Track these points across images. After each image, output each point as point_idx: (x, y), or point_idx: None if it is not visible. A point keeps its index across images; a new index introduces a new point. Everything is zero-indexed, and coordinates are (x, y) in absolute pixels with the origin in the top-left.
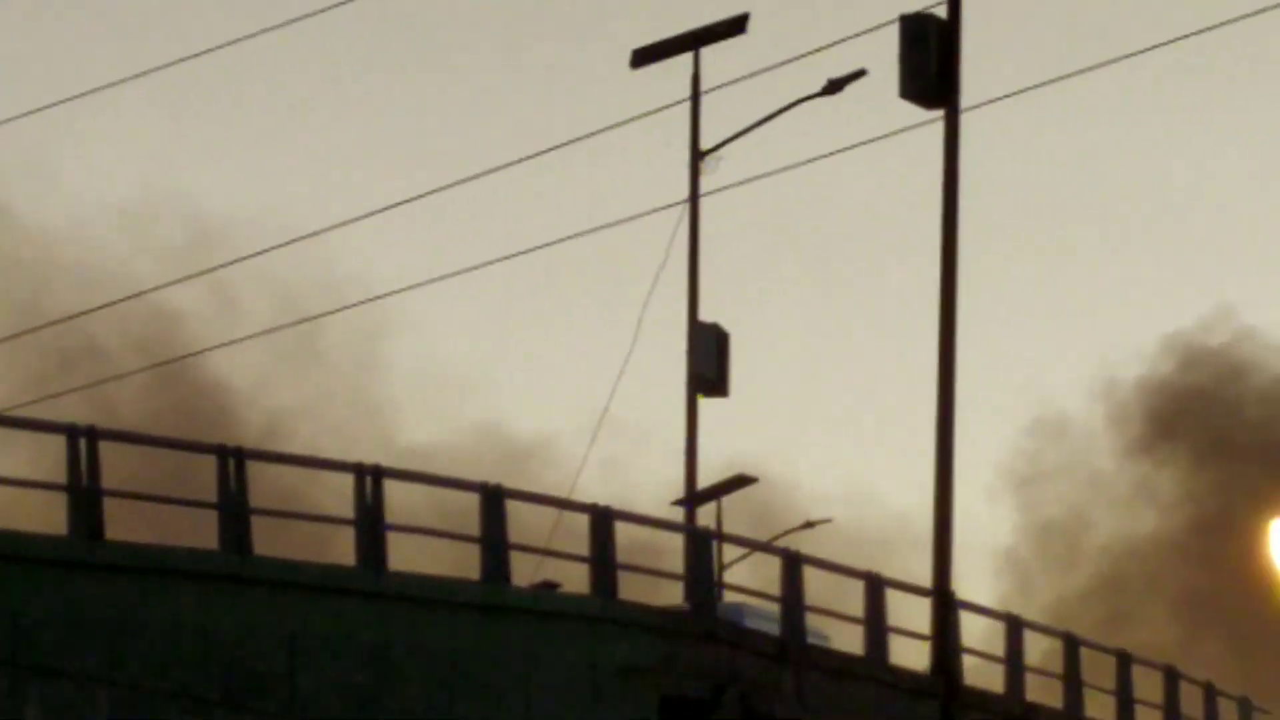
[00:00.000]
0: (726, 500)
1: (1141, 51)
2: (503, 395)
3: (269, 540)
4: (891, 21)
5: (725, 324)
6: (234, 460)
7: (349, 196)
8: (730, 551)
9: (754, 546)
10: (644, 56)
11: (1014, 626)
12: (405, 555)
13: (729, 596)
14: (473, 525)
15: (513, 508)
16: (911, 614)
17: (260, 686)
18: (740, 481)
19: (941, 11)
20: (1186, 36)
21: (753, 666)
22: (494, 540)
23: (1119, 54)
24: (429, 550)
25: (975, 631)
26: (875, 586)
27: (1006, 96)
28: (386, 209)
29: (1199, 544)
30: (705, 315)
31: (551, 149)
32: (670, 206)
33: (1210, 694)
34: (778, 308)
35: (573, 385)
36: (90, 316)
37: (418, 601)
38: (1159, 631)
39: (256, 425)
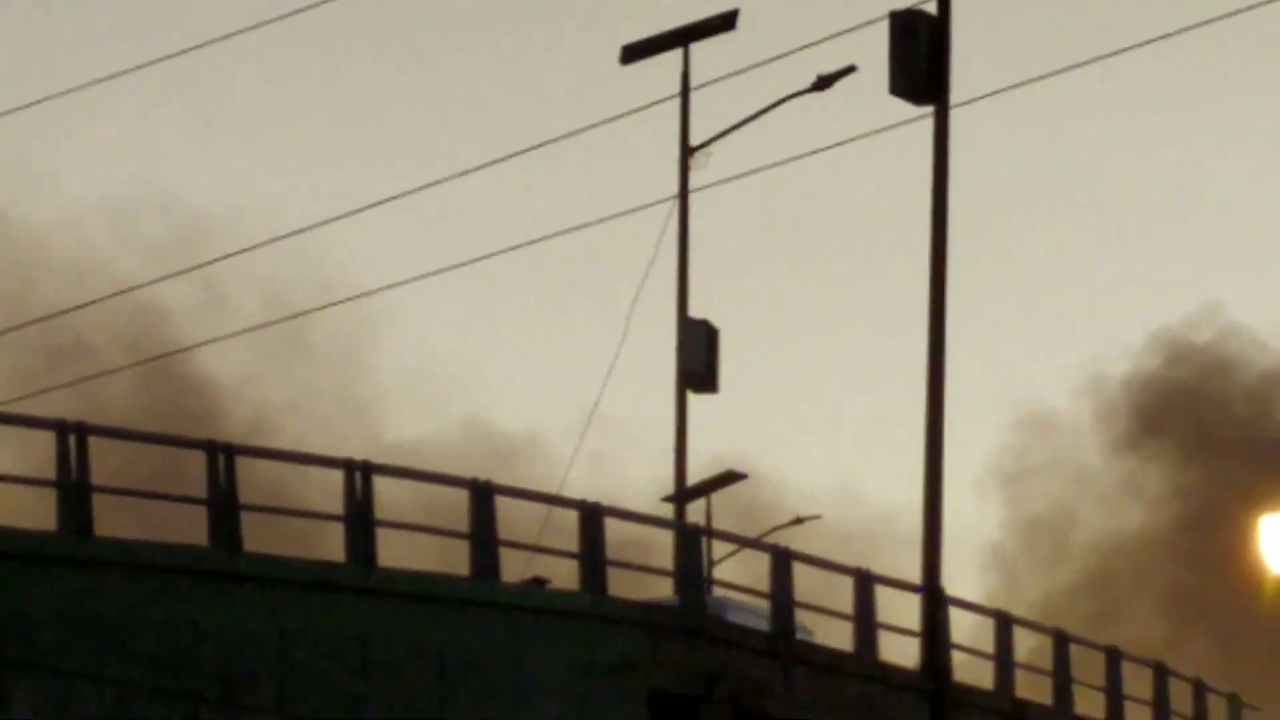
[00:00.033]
0: (715, 496)
1: (1129, 49)
2: (490, 391)
3: (255, 536)
4: (881, 18)
5: (715, 320)
6: (224, 456)
7: (337, 193)
8: (719, 547)
9: (744, 543)
10: (634, 53)
11: (1003, 623)
12: (392, 551)
13: (715, 592)
14: (460, 521)
15: (501, 504)
16: (900, 610)
17: (250, 682)
18: (730, 478)
19: (931, 8)
20: (1172, 35)
21: (743, 663)
22: (483, 536)
23: (1106, 51)
24: (415, 546)
25: (963, 627)
26: (865, 583)
27: (996, 93)
28: (374, 205)
29: (1185, 540)
30: (695, 311)
31: (542, 145)
32: (660, 202)
33: (1199, 690)
34: (768, 303)
35: (561, 381)
36: (78, 312)
37: (407, 597)
38: (1146, 628)
39: (244, 421)
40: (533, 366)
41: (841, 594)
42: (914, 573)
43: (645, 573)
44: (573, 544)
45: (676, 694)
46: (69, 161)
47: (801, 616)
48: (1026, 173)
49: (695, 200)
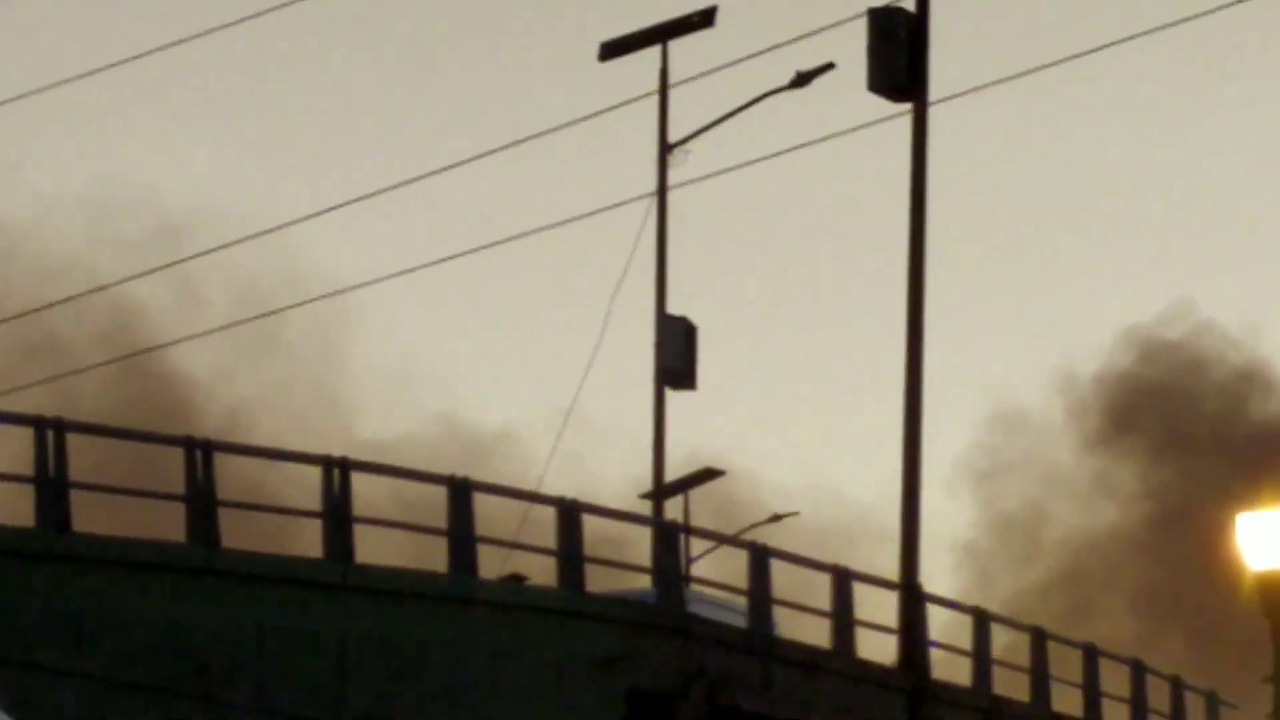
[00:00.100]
0: (692, 493)
1: (1104, 47)
2: (465, 389)
3: (230, 532)
4: (860, 15)
5: (693, 317)
6: (202, 452)
7: (312, 190)
8: (696, 544)
9: (721, 540)
10: (612, 49)
11: (981, 620)
12: (366, 548)
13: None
14: (434, 518)
15: (478, 501)
16: (876, 607)
17: (228, 678)
18: (708, 475)
19: (910, 5)
20: (1145, 34)
21: (721, 660)
22: (462, 533)
23: (1083, 49)
24: (391, 543)
25: (938, 624)
26: (842, 580)
27: (974, 90)
28: (350, 203)
29: (1158, 538)
30: (673, 308)
31: (520, 141)
32: (638, 199)
33: (1177, 688)
34: (746, 301)
35: (537, 378)
36: (52, 310)
37: (385, 594)
38: (1118, 625)
39: (218, 418)
40: (508, 364)
41: (818, 591)
42: (888, 569)
43: (623, 570)
44: (549, 541)
45: (654, 691)
46: (42, 158)
47: (734, 599)
48: (999, 170)
49: (674, 197)
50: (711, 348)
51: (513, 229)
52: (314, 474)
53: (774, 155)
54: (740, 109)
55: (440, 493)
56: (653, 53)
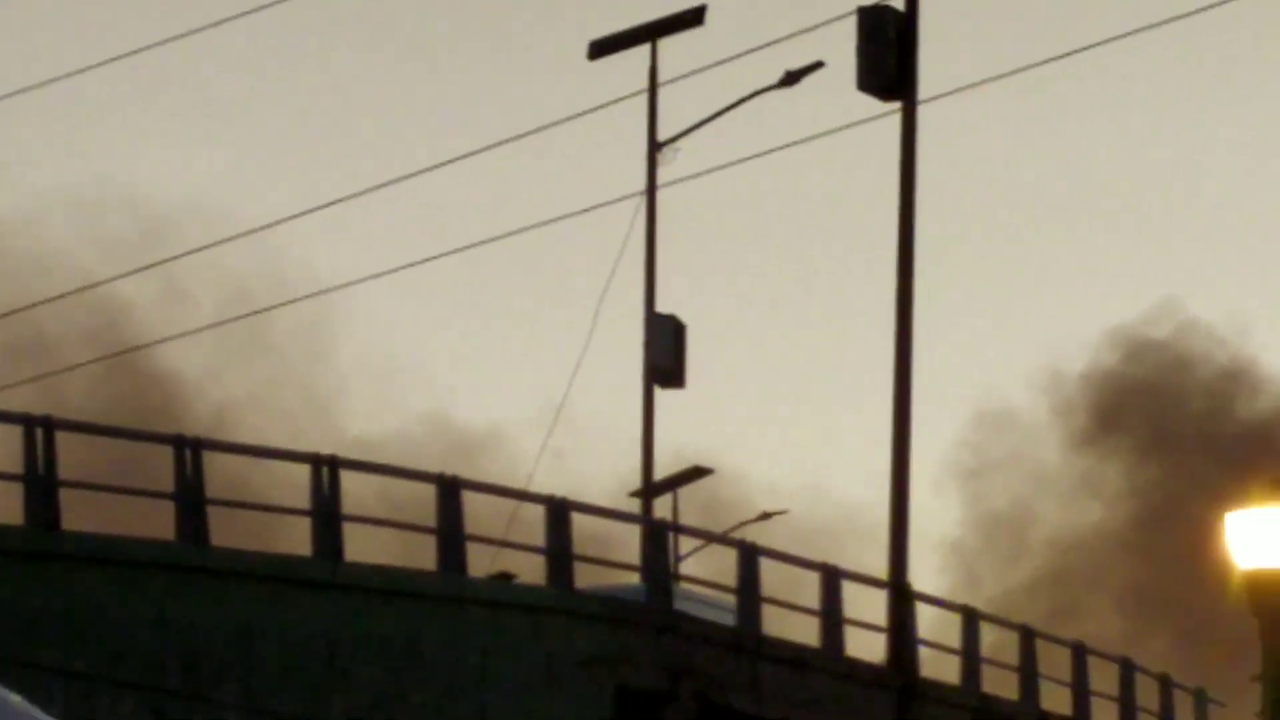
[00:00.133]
0: (680, 491)
1: (1091, 47)
2: (453, 388)
3: (216, 530)
4: (849, 14)
5: (682, 315)
6: (191, 451)
7: (300, 189)
8: (685, 542)
9: (710, 538)
10: (601, 48)
11: (970, 619)
12: (353, 546)
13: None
14: (421, 516)
15: (465, 499)
16: (865, 605)
17: (216, 676)
18: (696, 473)
19: (899, 4)
20: (1134, 33)
21: (709, 658)
22: (451, 531)
23: (1070, 49)
24: (377, 541)
25: (926, 623)
26: (831, 578)
27: (962, 90)
28: (338, 201)
29: (1144, 536)
30: (662, 307)
31: (509, 140)
32: (628, 197)
33: (1166, 686)
34: (735, 299)
35: (525, 377)
36: (40, 308)
37: (374, 592)
38: (1104, 623)
39: (205, 416)
40: (496, 362)
41: (805, 590)
42: (875, 568)
43: (612, 568)
44: (537, 539)
45: (643, 689)
46: (31, 157)
47: (730, 600)
48: (984, 169)
49: (663, 195)
50: (700, 346)
51: (502, 227)
52: (300, 472)
53: (763, 154)
54: (729, 108)
55: (427, 491)
56: (642, 51)
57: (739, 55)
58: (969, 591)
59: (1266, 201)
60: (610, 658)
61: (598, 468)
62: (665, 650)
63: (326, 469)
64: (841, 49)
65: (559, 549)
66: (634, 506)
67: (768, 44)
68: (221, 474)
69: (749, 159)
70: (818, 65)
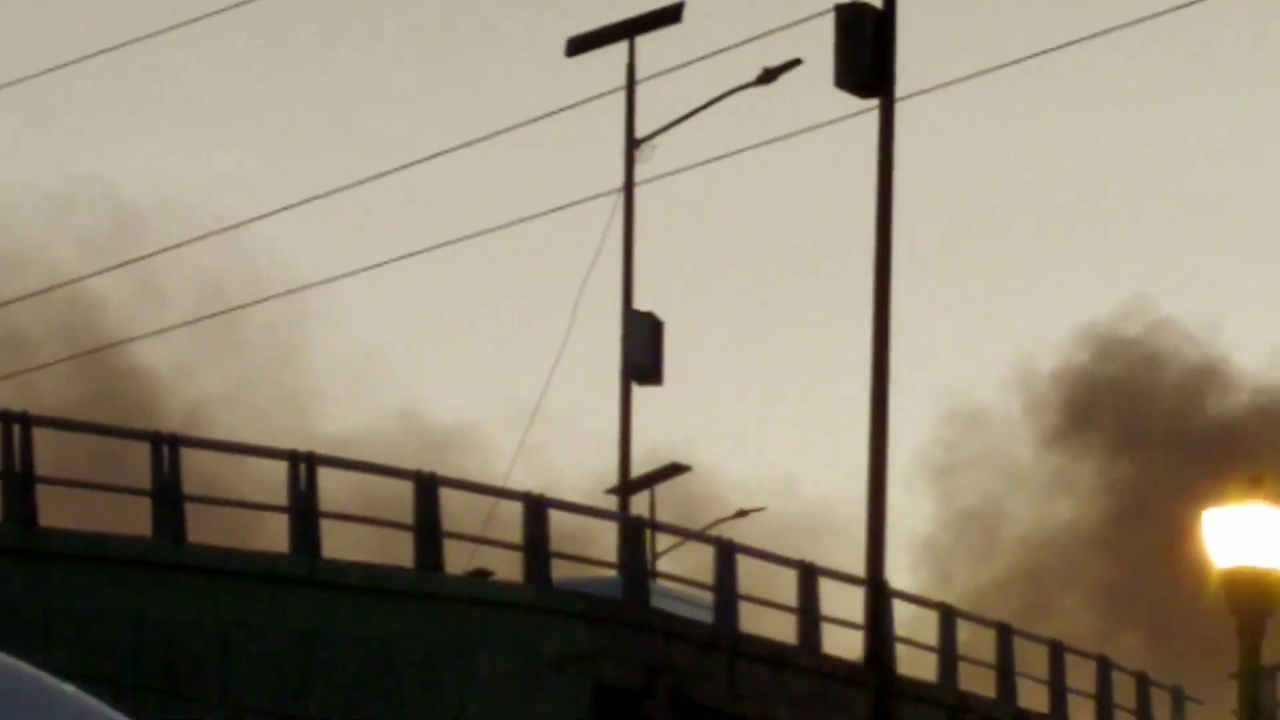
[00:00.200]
0: (656, 488)
1: (1065, 45)
2: (429, 385)
3: (192, 527)
4: (827, 11)
5: (660, 313)
6: (168, 447)
7: (274, 186)
8: (662, 540)
9: (688, 535)
10: (579, 45)
11: (947, 616)
12: (328, 543)
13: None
14: (395, 513)
15: (442, 496)
16: (840, 603)
17: (194, 673)
18: (674, 470)
19: (877, 2)
20: (1109, 31)
21: (686, 655)
22: (428, 528)
23: (1045, 47)
24: (352, 538)
25: (901, 620)
26: (809, 575)
27: (939, 87)
28: (315, 198)
29: (1116, 534)
30: (640, 304)
31: (487, 137)
32: (605, 195)
33: (1143, 684)
34: (713, 296)
35: (502, 374)
36: (13, 305)
37: (352, 589)
38: (1076, 621)
39: (178, 413)
40: (472, 360)
41: (781, 587)
42: (849, 565)
43: (589, 565)
44: (514, 536)
45: (620, 686)
46: (3, 153)
47: (704, 596)
48: (957, 167)
49: (641, 192)
50: (678, 343)
51: (479, 224)
52: (274, 469)
53: (741, 151)
54: (707, 105)
55: (401, 488)
56: (620, 48)
57: (717, 52)
58: (941, 589)
59: (1238, 200)
60: (587, 655)
61: (574, 465)
62: (642, 647)
63: (304, 466)
64: (819, 46)
65: (536, 546)
66: (611, 504)
67: (745, 41)
68: (195, 471)
69: (726, 156)
70: (795, 63)
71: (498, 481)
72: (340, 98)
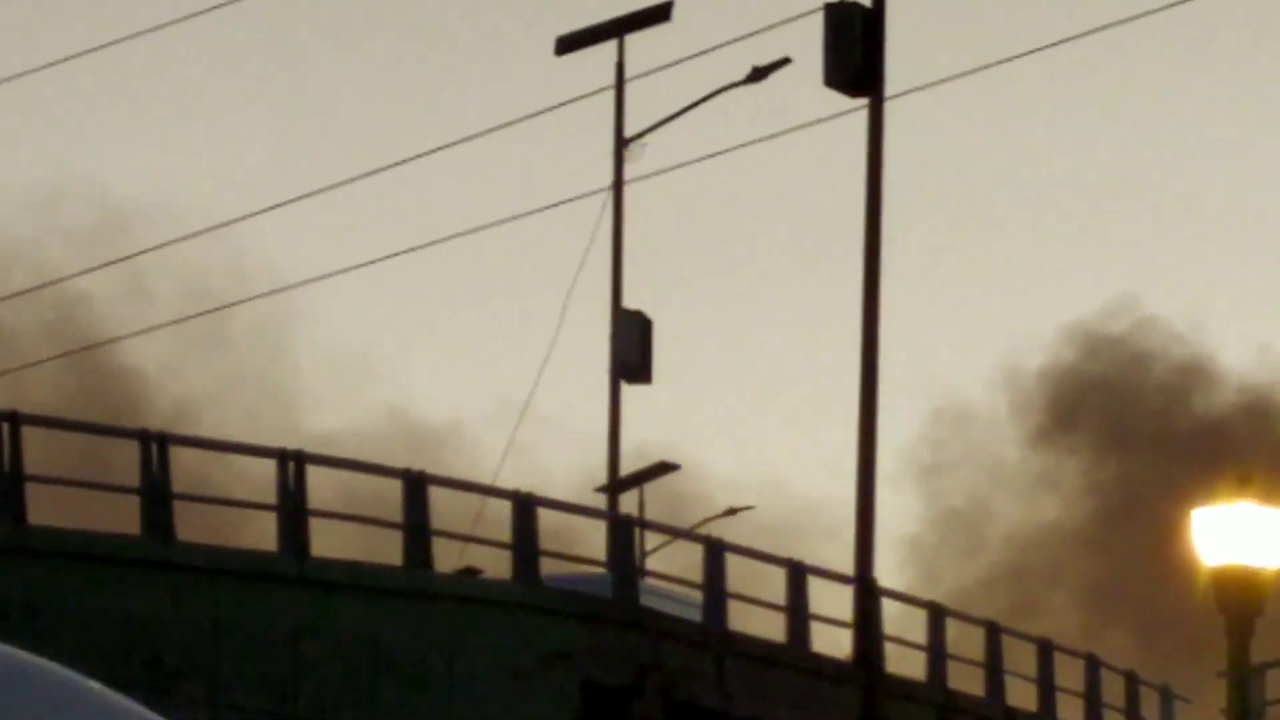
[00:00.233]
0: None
1: (1053, 45)
2: (417, 384)
3: (179, 526)
4: (816, 10)
5: (649, 311)
6: (157, 445)
7: (262, 184)
8: (651, 538)
9: (677, 534)
10: (568, 43)
11: (936, 614)
12: (316, 541)
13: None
14: (382, 511)
15: (430, 494)
16: (828, 601)
17: (182, 672)
18: (663, 468)
19: (866, 1)
20: (1096, 31)
21: (675, 653)
22: (417, 526)
23: (1032, 47)
24: (342, 536)
25: (889, 618)
26: (798, 574)
27: (927, 87)
28: (308, 196)
29: (1102, 533)
30: (629, 302)
31: (476, 135)
32: (595, 193)
33: (1132, 682)
34: (702, 295)
35: (491, 372)
36: (0, 302)
37: (341, 587)
38: (1063, 620)
39: (165, 412)
40: (460, 358)
41: (769, 585)
42: (837, 563)
43: (578, 563)
44: (502, 534)
45: (609, 684)
46: None
47: (692, 594)
48: (944, 166)
49: (630, 191)
50: (667, 342)
51: (468, 222)
52: (261, 467)
53: (730, 150)
54: (696, 103)
55: (388, 486)
56: (609, 47)
57: (706, 51)
58: (928, 588)
59: (1224, 198)
60: (576, 653)
61: (562, 463)
62: (631, 646)
63: (293, 464)
64: (808, 45)
65: (525, 544)
66: (600, 502)
67: (735, 40)
68: (183, 469)
69: (716, 155)
70: (785, 61)
71: (486, 480)
72: (329, 96)
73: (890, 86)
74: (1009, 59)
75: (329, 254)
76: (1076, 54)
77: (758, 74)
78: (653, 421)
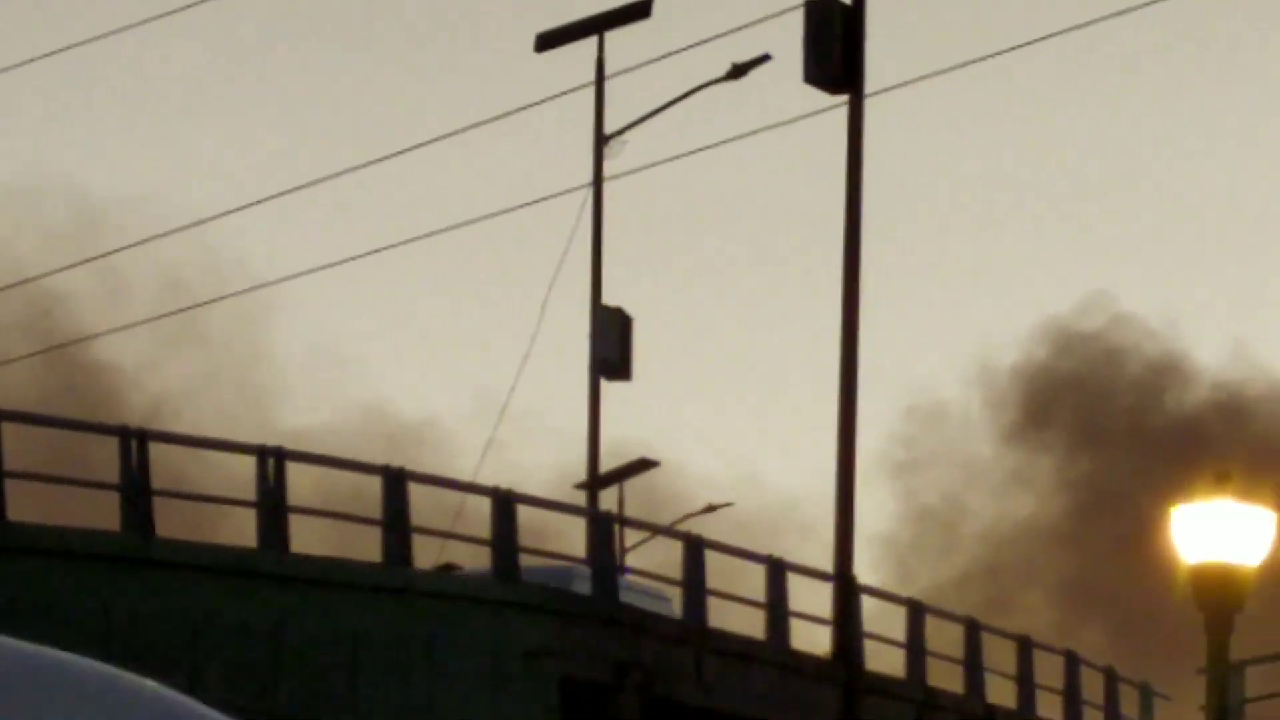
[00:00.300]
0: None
1: (1030, 43)
2: (395, 380)
3: (159, 522)
4: (796, 7)
5: (629, 308)
6: (136, 441)
7: (240, 182)
8: (630, 535)
9: (656, 530)
10: (548, 40)
11: (916, 611)
12: (294, 538)
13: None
14: (359, 507)
15: (409, 490)
16: (806, 598)
17: (163, 667)
18: (642, 465)
19: None
20: (1074, 29)
21: (654, 650)
22: (397, 523)
23: (1011, 45)
24: (321, 532)
25: (868, 615)
26: (777, 571)
27: (907, 83)
28: (287, 193)
29: (1076, 529)
30: (609, 299)
31: (455, 132)
32: (574, 190)
33: (1111, 680)
34: (681, 291)
35: (470, 368)
36: None
37: (320, 583)
38: (1037, 617)
39: (142, 408)
40: (439, 355)
41: (748, 582)
42: (815, 560)
43: (557, 560)
44: (481, 531)
45: (588, 681)
46: None
47: (663, 588)
48: (920, 164)
49: (609, 188)
50: (647, 339)
51: (448, 219)
52: (239, 464)
53: (710, 147)
54: (676, 100)
55: (368, 482)
56: (589, 44)
57: (686, 48)
58: (903, 585)
59: (1197, 196)
60: (555, 650)
61: (542, 460)
62: (610, 642)
63: (273, 460)
64: (788, 42)
65: (504, 541)
66: (579, 499)
67: (714, 37)
68: (162, 465)
69: (696, 152)
70: (764, 58)
71: (465, 476)
72: (307, 94)
73: (870, 84)
74: (988, 57)
75: (307, 251)
76: (1054, 52)
77: (737, 71)
78: (632, 418)
